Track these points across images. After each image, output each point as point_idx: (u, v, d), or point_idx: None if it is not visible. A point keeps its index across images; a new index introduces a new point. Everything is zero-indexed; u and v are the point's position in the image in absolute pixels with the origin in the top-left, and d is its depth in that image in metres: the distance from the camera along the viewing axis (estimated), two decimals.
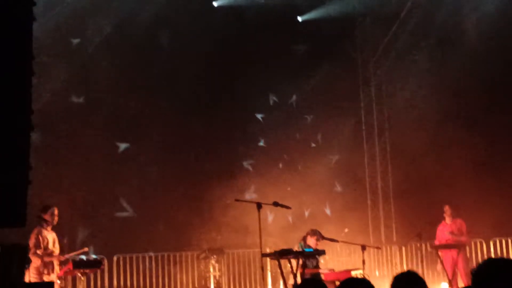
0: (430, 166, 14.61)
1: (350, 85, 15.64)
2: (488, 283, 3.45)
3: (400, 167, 15.41)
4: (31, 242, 9.35)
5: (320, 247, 10.20)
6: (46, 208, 9.72)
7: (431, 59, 14.86)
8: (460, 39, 14.67)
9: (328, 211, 14.94)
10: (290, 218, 14.09)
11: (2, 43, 4.61)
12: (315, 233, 10.44)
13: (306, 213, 14.59)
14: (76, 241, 12.84)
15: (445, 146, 14.66)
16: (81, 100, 13.41)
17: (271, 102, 15.20)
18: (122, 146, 13.53)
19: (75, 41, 13.24)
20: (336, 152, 15.27)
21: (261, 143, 15.01)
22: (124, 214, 13.37)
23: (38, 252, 9.44)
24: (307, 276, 9.12)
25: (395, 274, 4.72)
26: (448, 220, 12.16)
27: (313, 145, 15.35)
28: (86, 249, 10.62)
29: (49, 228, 9.65)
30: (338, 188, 15.34)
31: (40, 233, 9.48)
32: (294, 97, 15.36)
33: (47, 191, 11.71)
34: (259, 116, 15.05)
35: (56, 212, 9.71)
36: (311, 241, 10.32)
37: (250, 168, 14.68)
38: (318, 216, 14.47)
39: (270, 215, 13.83)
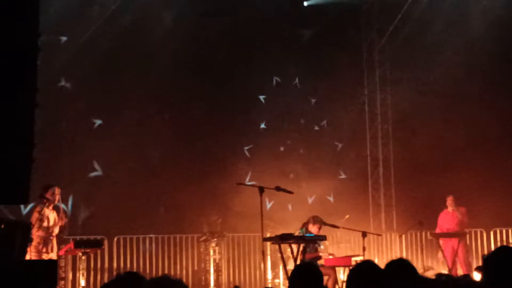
0: (433, 155, 14.60)
1: (354, 71, 15.58)
2: (500, 270, 3.46)
3: (402, 154, 15.38)
4: (33, 219, 9.36)
5: (321, 233, 10.20)
6: (47, 187, 9.75)
7: (437, 47, 14.79)
8: (467, 26, 14.58)
9: (331, 199, 14.89)
10: (290, 206, 14.06)
11: (8, 18, 4.58)
12: (317, 220, 10.39)
13: (310, 200, 14.51)
14: (77, 222, 12.88)
15: (448, 135, 14.62)
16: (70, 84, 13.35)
17: (274, 83, 15.10)
18: (97, 122, 13.48)
19: (63, 38, 13.14)
20: (339, 138, 15.24)
21: (263, 125, 14.95)
22: (99, 176, 13.34)
23: (40, 228, 9.45)
24: (307, 261, 9.11)
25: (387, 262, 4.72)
26: (450, 209, 12.17)
27: (316, 128, 15.29)
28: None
29: (50, 207, 9.67)
30: (343, 176, 15.30)
31: (41, 210, 9.49)
32: (297, 80, 15.27)
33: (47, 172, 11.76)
34: (261, 97, 14.97)
35: (57, 191, 9.74)
36: (314, 229, 10.27)
37: (249, 152, 14.63)
38: (319, 202, 14.46)
39: (269, 204, 13.72)
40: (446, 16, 14.67)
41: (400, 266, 4.39)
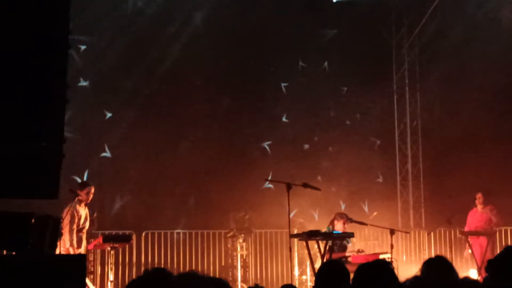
0: (461, 151, 14.43)
1: (383, 67, 15.45)
2: (504, 271, 3.44)
3: (431, 152, 15.24)
4: (66, 218, 9.37)
5: (348, 230, 10.15)
6: (83, 185, 9.82)
7: (467, 44, 14.58)
8: (499, 18, 14.34)
9: (366, 208, 14.62)
10: (316, 215, 13.90)
11: (42, 17, 4.65)
12: (342, 216, 10.37)
13: (343, 206, 14.23)
14: (106, 216, 13.01)
15: (477, 131, 14.43)
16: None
17: (300, 70, 14.98)
18: (108, 114, 13.53)
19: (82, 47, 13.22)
20: (369, 134, 15.09)
21: (284, 119, 14.86)
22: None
23: (73, 228, 9.52)
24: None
25: (423, 260, 4.67)
26: (479, 207, 12.02)
27: (348, 122, 15.15)
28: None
29: (83, 204, 9.74)
30: (380, 179, 15.11)
31: (74, 208, 9.55)
32: (325, 64, 15.15)
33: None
34: (283, 85, 14.87)
35: (92, 191, 9.80)
36: (339, 225, 10.25)
37: (270, 150, 14.57)
38: (350, 206, 14.22)
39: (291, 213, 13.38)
40: (477, 10, 14.45)
41: (438, 264, 4.35)
